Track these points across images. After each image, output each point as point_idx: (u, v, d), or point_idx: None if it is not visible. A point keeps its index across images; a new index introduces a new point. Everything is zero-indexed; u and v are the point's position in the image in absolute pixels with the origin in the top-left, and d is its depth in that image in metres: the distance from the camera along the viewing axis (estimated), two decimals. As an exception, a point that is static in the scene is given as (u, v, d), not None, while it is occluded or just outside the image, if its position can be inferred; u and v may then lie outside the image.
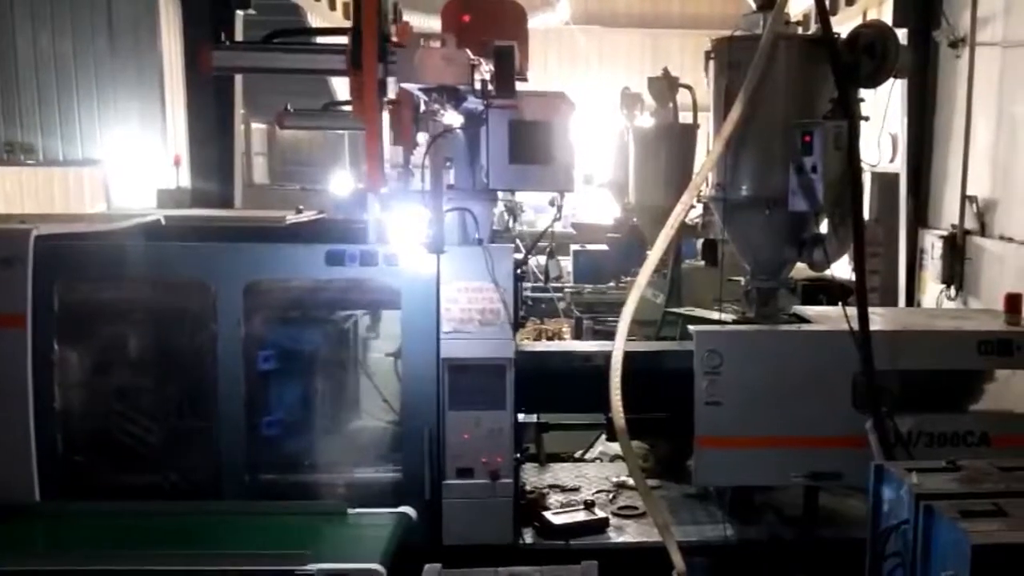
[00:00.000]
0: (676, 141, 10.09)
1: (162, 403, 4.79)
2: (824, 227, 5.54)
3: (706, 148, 7.41)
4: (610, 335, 9.37)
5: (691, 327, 5.40)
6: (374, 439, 4.99)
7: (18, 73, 12.18)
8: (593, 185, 12.62)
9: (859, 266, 5.06)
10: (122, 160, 11.96)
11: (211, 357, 4.59)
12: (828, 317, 5.49)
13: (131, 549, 3.97)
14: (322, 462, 4.80)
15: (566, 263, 12.69)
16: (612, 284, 11.57)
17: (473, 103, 4.59)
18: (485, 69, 4.48)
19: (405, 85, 4.33)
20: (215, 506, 4.39)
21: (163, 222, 5.35)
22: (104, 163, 12.17)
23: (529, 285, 9.40)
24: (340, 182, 5.55)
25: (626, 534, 5.18)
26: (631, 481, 5.52)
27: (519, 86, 4.69)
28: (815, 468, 5.10)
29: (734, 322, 5.88)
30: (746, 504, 5.42)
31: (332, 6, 14.96)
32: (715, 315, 6.37)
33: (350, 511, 4.28)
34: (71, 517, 4.26)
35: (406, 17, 6.04)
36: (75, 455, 4.58)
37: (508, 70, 4.51)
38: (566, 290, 11.45)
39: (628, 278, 11.17)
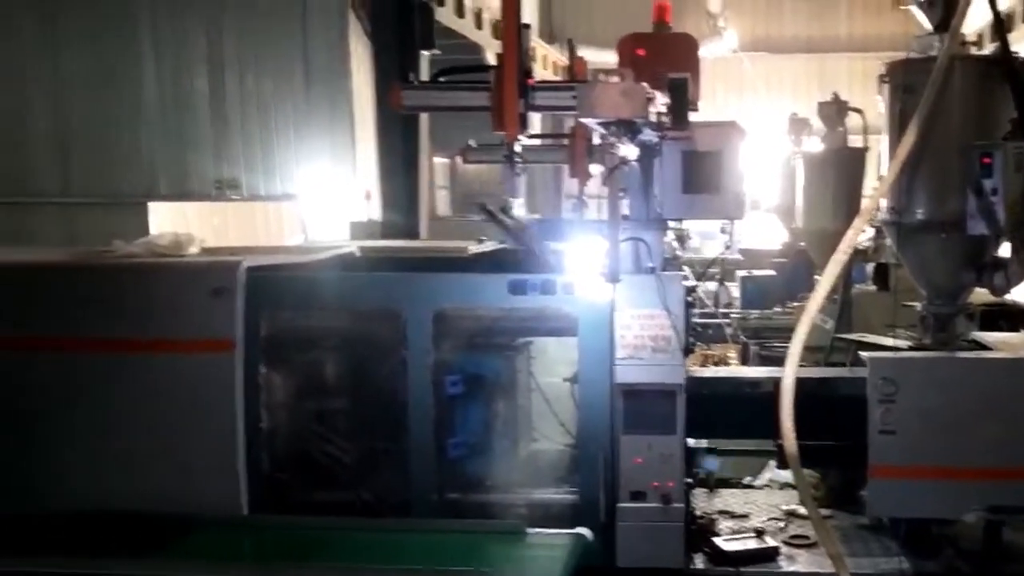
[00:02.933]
0: (845, 165, 9.82)
1: (357, 425, 4.93)
2: (1004, 250, 5.25)
3: (876, 172, 7.14)
4: (777, 361, 9.12)
5: (864, 353, 5.20)
6: (551, 462, 5.00)
7: (227, 113, 12.89)
8: (760, 210, 12.39)
9: (1044, 291, 4.77)
10: (316, 194, 12.46)
11: (402, 381, 4.69)
12: (1009, 344, 5.19)
13: (325, 562, 4.09)
14: (502, 483, 4.84)
15: (732, 288, 12.46)
16: (779, 309, 11.26)
17: (648, 135, 4.57)
18: (660, 102, 4.46)
19: (584, 120, 4.36)
20: (403, 523, 4.48)
21: (358, 253, 5.51)
22: (300, 197, 12.71)
23: (696, 311, 9.30)
24: (516, 212, 5.66)
25: (797, 564, 4.99)
26: (802, 510, 5.33)
27: (691, 116, 4.65)
28: (997, 501, 4.80)
29: (909, 348, 5.62)
30: (922, 536, 5.13)
31: (509, 44, 15.24)
32: (888, 341, 6.11)
33: (529, 531, 4.28)
34: (274, 530, 4.42)
35: (581, 52, 6.09)
36: (278, 473, 4.75)
37: (682, 102, 4.50)
38: (732, 316, 11.22)
39: (795, 303, 10.87)
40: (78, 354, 4.54)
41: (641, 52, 4.97)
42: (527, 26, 4.54)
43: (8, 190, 13.61)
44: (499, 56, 4.49)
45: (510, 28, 4.43)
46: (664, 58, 4.90)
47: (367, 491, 4.80)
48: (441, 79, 5.05)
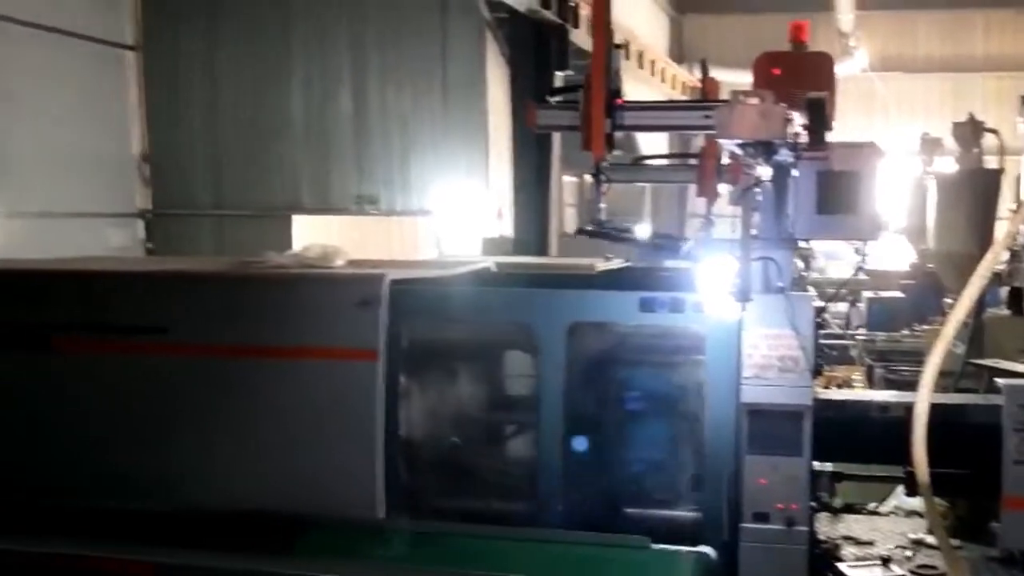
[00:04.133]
0: (980, 186, 9.46)
1: (489, 435, 4.97)
2: None
3: (1012, 194, 6.83)
4: (903, 385, 8.82)
5: (1000, 380, 4.97)
6: (675, 478, 4.94)
7: (368, 131, 13.22)
8: (887, 231, 12.04)
9: None
10: (450, 210, 12.64)
11: (534, 394, 4.70)
12: None
13: (453, 567, 4.17)
14: (628, 497, 4.81)
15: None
16: (906, 332, 10.88)
17: (784, 155, 4.48)
18: (798, 122, 4.37)
19: (722, 141, 4.32)
20: (529, 533, 4.47)
21: (494, 268, 5.56)
22: (434, 212, 12.92)
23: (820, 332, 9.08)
24: (641, 231, 5.63)
25: (925, 593, 4.80)
26: (930, 539, 5.12)
27: (827, 136, 4.54)
28: None
29: (1048, 376, 5.35)
30: (1059, 572, 4.87)
31: (640, 65, 15.23)
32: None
33: (653, 546, 4.24)
34: (407, 534, 4.47)
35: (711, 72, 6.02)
36: (413, 478, 4.81)
37: (820, 121, 4.40)
38: (857, 337, 10.90)
39: (924, 326, 10.49)
40: (227, 359, 4.67)
41: (776, 71, 4.87)
42: (618, 46, 4.53)
43: (168, 202, 14.32)
44: (587, 76, 4.49)
45: (598, 48, 4.43)
46: (800, 77, 4.79)
47: (497, 500, 4.85)
48: (551, 99, 5.08)
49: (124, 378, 4.76)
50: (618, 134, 4.95)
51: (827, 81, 4.87)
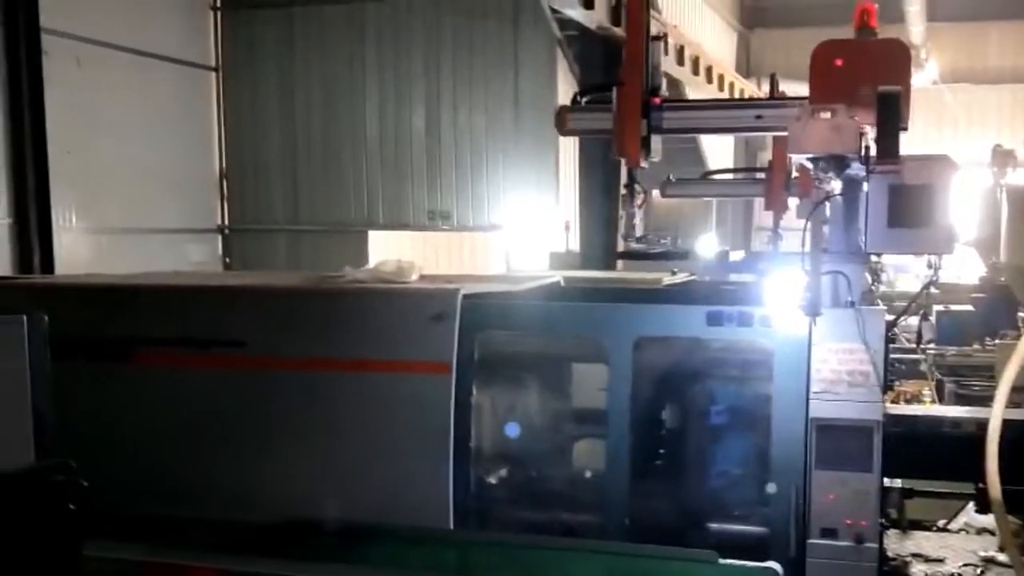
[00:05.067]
0: (1055, 199, 9.11)
1: (557, 448, 4.95)
2: None
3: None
4: (975, 400, 8.57)
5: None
6: (742, 493, 4.88)
7: (441, 147, 13.37)
8: (958, 243, 11.68)
9: None
10: (519, 225, 12.69)
11: (600, 407, 4.68)
12: None
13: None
14: (695, 511, 4.76)
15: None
16: (977, 346, 10.58)
17: (855, 169, 4.36)
18: (871, 137, 4.20)
19: (794, 156, 4.21)
20: (597, 545, 4.43)
21: (562, 283, 5.55)
22: (504, 227, 12.99)
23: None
24: (706, 244, 5.58)
25: (998, 612, 4.66)
26: (1001, 557, 4.97)
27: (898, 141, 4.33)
28: None
29: (1126, 393, 5.16)
30: None
31: (709, 79, 15.12)
32: (1101, 383, 5.62)
33: (720, 561, 4.18)
34: (477, 545, 4.47)
35: (783, 86, 5.93)
36: (482, 490, 4.81)
37: (893, 121, 4.02)
38: (928, 352, 10.63)
39: (996, 340, 10.21)
40: (303, 372, 4.73)
41: (839, 62, 4.32)
42: (656, 38, 4.26)
43: (245, 218, 14.65)
44: (622, 72, 4.19)
45: (633, 39, 4.13)
46: (867, 68, 4.26)
47: (565, 512, 4.82)
48: (580, 99, 4.86)
49: (202, 390, 4.86)
50: (679, 139, 4.67)
51: (900, 73, 4.28)
